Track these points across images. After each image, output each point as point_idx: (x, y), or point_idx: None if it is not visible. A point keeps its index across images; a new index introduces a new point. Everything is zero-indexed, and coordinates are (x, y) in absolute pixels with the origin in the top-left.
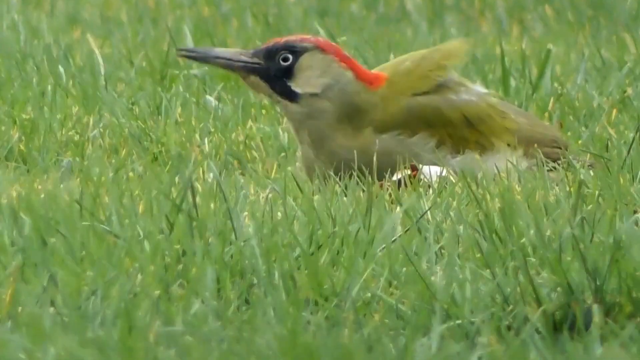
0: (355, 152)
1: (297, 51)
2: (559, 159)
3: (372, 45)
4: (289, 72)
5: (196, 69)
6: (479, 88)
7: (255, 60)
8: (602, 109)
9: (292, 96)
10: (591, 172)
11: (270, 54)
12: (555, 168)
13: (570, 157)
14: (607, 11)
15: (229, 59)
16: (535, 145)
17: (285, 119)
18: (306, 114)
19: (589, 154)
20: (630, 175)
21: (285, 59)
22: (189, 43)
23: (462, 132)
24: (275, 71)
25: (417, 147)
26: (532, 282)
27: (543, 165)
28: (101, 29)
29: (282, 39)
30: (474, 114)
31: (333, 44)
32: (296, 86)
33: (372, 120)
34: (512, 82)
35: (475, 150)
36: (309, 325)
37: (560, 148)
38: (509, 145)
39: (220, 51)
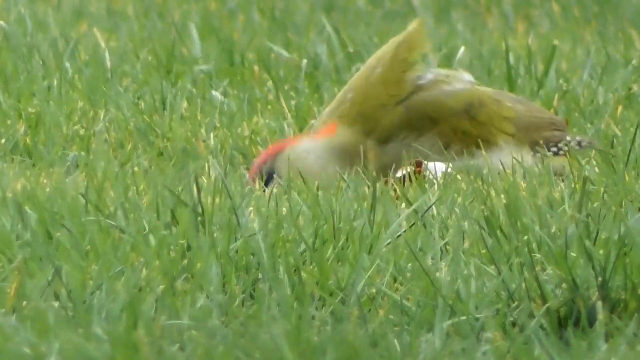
0: (361, 149)
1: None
2: (560, 141)
3: (378, 41)
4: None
5: (203, 65)
6: (467, 76)
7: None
8: (607, 105)
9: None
10: (596, 168)
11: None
12: (556, 154)
13: (569, 139)
14: (613, 7)
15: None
16: (537, 137)
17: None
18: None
19: (587, 133)
20: (635, 171)
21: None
22: (195, 38)
23: (464, 124)
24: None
25: (424, 149)
26: (537, 279)
27: (547, 158)
28: (107, 23)
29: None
30: (474, 99)
31: (275, 144)
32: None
33: (373, 137)
34: (518, 79)
35: (480, 146)
36: (313, 321)
37: (559, 130)
38: (510, 135)
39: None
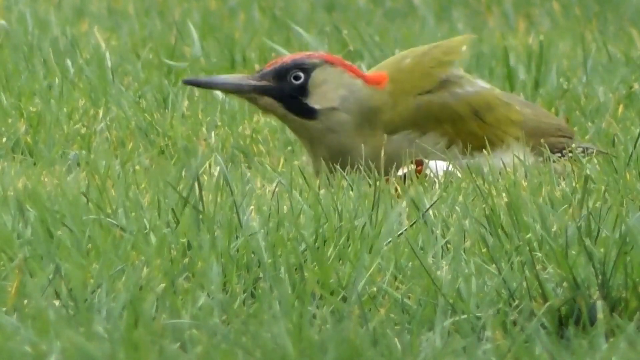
0: (362, 147)
1: (307, 68)
2: (565, 148)
3: (378, 40)
4: (302, 90)
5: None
6: (481, 83)
7: (265, 82)
8: (608, 104)
9: (309, 113)
10: (597, 167)
11: (280, 74)
12: (560, 159)
13: (575, 146)
14: (614, 6)
15: (238, 84)
16: (542, 140)
17: (298, 139)
18: (326, 129)
19: (588, 132)
20: (636, 170)
21: (297, 77)
22: (195, 38)
23: (471, 126)
24: (289, 90)
25: (427, 146)
26: (537, 277)
27: (550, 160)
28: (108, 22)
29: (288, 58)
30: (482, 103)
31: (336, 56)
32: (313, 103)
33: (382, 120)
34: (518, 78)
35: (485, 147)
36: (314, 319)
37: (566, 137)
38: (516, 138)
39: (225, 77)
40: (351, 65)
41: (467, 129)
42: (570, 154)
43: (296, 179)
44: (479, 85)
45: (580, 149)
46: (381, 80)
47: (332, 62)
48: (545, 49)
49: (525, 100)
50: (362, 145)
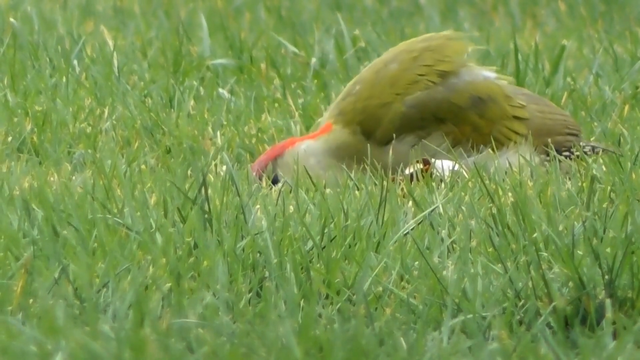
0: (369, 147)
1: (273, 179)
2: (572, 147)
3: (384, 39)
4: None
5: (217, 60)
6: (486, 72)
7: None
8: (614, 104)
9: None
10: (603, 167)
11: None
12: (566, 158)
13: (582, 145)
14: (620, 6)
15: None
16: (549, 139)
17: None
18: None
19: (594, 132)
20: None
21: (275, 182)
22: (204, 36)
23: (472, 118)
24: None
25: (432, 148)
26: (544, 277)
27: (556, 160)
28: (114, 21)
29: (255, 172)
30: (483, 93)
31: (274, 147)
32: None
33: (375, 138)
34: (526, 77)
35: (489, 145)
36: (320, 319)
37: (572, 135)
38: (521, 136)
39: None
40: (290, 140)
41: (469, 121)
42: (577, 153)
43: (302, 179)
44: (482, 74)
45: (588, 148)
46: (326, 128)
47: (277, 155)
48: (560, 51)
49: (533, 94)
50: (368, 146)
